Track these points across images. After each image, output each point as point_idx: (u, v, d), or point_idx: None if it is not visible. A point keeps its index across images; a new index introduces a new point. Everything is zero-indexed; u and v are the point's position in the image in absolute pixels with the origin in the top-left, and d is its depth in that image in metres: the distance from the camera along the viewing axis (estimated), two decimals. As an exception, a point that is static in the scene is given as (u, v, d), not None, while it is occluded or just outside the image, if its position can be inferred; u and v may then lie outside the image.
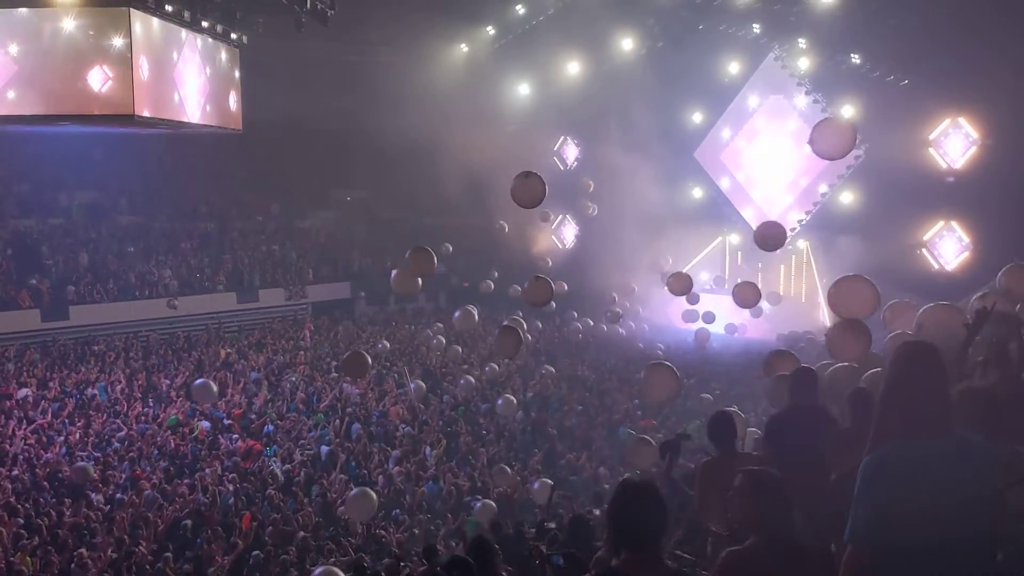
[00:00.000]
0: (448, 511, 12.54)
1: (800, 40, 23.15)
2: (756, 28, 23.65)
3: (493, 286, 23.45)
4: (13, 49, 17.59)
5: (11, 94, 17.79)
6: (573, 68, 26.73)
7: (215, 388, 15.03)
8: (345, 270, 30.67)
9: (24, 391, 18.24)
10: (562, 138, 30.02)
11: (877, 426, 3.35)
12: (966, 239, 21.07)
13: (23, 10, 17.64)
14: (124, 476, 13.74)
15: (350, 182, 31.42)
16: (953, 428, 3.24)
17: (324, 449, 14.87)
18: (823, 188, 24.56)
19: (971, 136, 20.80)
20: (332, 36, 21.04)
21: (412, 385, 17.65)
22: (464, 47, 27.83)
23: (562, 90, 27.20)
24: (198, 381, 15.34)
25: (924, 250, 21.48)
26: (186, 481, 13.41)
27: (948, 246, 21.31)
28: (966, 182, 20.64)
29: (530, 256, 25.13)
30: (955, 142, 20.99)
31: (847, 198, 23.48)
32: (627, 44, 25.28)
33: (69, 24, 17.42)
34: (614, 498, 3.33)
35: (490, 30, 26.98)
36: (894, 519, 3.08)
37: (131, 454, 14.72)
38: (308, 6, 18.89)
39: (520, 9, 25.62)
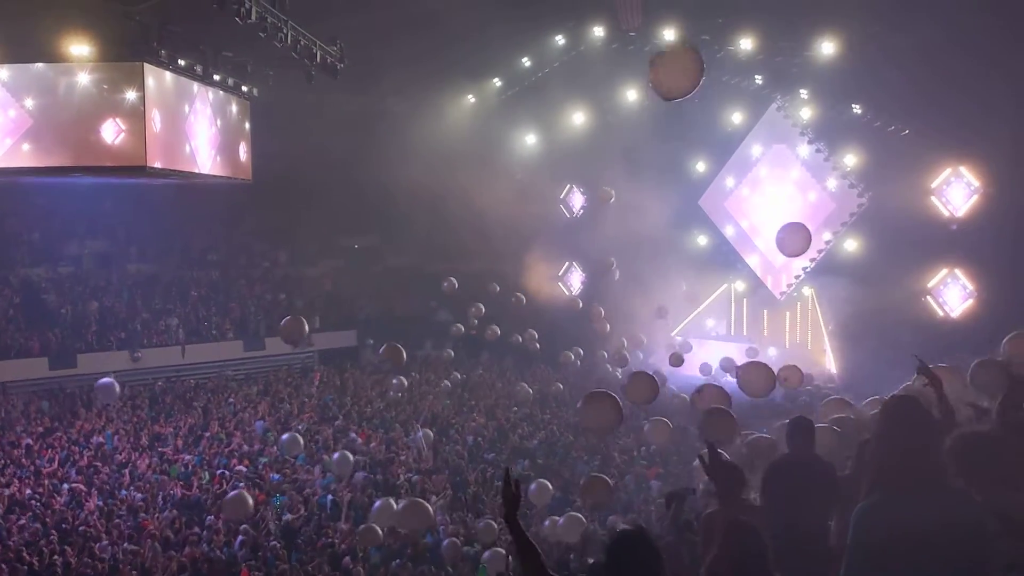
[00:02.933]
0: (452, 562, 12.50)
1: (802, 91, 23.51)
2: (758, 79, 24.00)
3: (499, 332, 23.51)
4: (29, 103, 17.92)
5: (26, 146, 18.09)
6: (579, 118, 27.07)
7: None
8: (351, 318, 30.78)
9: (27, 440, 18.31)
10: (568, 186, 30.29)
11: (868, 476, 3.45)
12: (970, 287, 21.16)
13: (39, 65, 18.00)
14: (129, 525, 13.74)
15: (357, 230, 31.68)
16: (942, 478, 3.32)
17: (329, 499, 14.86)
18: (827, 236, 24.71)
19: (972, 185, 21.00)
20: (341, 88, 21.37)
21: (419, 434, 17.66)
22: (472, 98, 28.24)
23: (568, 140, 27.50)
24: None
25: (929, 297, 21.55)
26: (194, 530, 13.41)
27: (953, 293, 21.41)
28: (969, 230, 20.80)
29: (537, 304, 25.24)
30: (957, 191, 21.19)
31: (851, 245, 23.63)
32: (631, 95, 25.63)
33: (84, 78, 17.75)
34: (608, 549, 3.39)
35: (497, 82, 27.38)
36: (884, 567, 3.16)
37: (138, 503, 14.74)
38: (318, 59, 19.22)
39: (526, 62, 26.03)
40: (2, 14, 16.02)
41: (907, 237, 21.10)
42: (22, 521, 13.79)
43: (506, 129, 28.09)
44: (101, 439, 18.90)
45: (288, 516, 14.09)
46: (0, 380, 23.40)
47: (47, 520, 13.82)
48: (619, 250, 25.44)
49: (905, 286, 21.27)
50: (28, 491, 15.29)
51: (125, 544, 12.84)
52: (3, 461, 17.16)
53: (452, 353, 24.39)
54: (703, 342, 26.46)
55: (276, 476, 16.15)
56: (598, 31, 23.88)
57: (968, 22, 16.86)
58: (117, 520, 13.90)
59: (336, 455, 15.62)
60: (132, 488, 15.75)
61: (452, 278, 23.68)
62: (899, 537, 3.18)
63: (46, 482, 15.91)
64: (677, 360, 22.75)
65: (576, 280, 30.17)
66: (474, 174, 26.22)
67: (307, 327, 12.51)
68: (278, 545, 12.71)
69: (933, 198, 21.46)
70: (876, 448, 3.50)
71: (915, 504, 3.22)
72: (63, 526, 13.61)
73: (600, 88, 25.88)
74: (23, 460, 17.26)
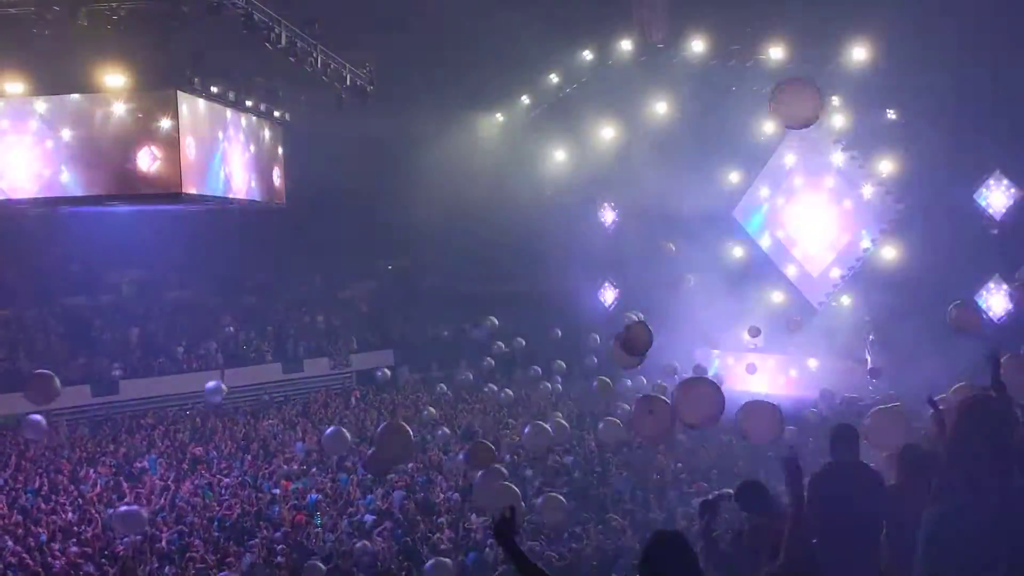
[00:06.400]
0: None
1: (834, 98, 23.24)
2: (790, 88, 23.77)
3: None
4: (66, 133, 18.29)
5: (64, 176, 18.45)
6: (608, 133, 27.01)
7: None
8: (387, 338, 30.86)
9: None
10: (600, 202, 30.21)
11: (942, 479, 3.36)
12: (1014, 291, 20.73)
13: (75, 96, 18.38)
14: (173, 548, 13.78)
15: (391, 251, 31.84)
16: (1016, 477, 3.22)
17: (369, 518, 14.80)
18: (865, 244, 24.39)
19: (1012, 188, 20.64)
20: (372, 110, 21.57)
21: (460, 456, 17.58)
22: (500, 117, 28.30)
23: (598, 155, 27.45)
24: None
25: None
26: (235, 551, 13.42)
27: (996, 299, 20.99)
28: (1010, 234, 20.42)
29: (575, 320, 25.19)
30: (997, 195, 20.83)
31: (890, 253, 23.25)
32: (661, 108, 25.53)
33: (119, 108, 18.08)
34: (643, 551, 3.40)
35: (525, 100, 27.45)
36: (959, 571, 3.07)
37: (180, 526, 14.80)
38: (348, 83, 19.43)
39: (554, 78, 26.07)
40: (38, 47, 16.38)
41: (947, 243, 20.75)
42: (73, 548, 13.86)
43: (536, 147, 28.11)
44: (144, 464, 19.07)
45: (330, 536, 14.06)
46: (45, 408, 23.70)
47: (91, 546, 13.89)
48: (653, 264, 25.30)
49: (946, 292, 20.87)
50: (71, 516, 15.40)
51: (167, 567, 12.88)
52: (47, 488, 17.33)
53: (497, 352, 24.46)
54: (741, 355, 26.15)
55: (314, 496, 16.12)
56: (626, 45, 23.84)
57: (1004, 22, 16.62)
58: (159, 544, 13.94)
59: (330, 429, 15.55)
60: (173, 511, 15.84)
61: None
62: (974, 543, 3.08)
63: (91, 508, 16.00)
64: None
65: (609, 296, 30.02)
66: (505, 193, 26.28)
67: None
68: (319, 564, 12.67)
69: (973, 202, 21.12)
70: (951, 449, 3.40)
71: (990, 507, 3.12)
72: (106, 552, 13.67)
73: (630, 102, 25.81)
74: (68, 487, 17.42)
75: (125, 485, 17.43)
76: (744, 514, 6.31)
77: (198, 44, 18.24)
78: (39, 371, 12.99)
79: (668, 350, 23.57)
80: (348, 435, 14.87)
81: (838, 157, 24.82)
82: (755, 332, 24.25)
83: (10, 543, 13.77)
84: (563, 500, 12.29)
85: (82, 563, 13.07)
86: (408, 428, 11.80)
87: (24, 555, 13.10)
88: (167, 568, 12.85)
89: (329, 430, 15.26)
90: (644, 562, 3.35)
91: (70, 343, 25.81)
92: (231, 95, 20.32)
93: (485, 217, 26.11)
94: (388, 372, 22.62)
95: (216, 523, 15.03)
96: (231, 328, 28.50)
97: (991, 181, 20.95)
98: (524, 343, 23.64)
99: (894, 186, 23.31)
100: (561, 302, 26.49)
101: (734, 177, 26.90)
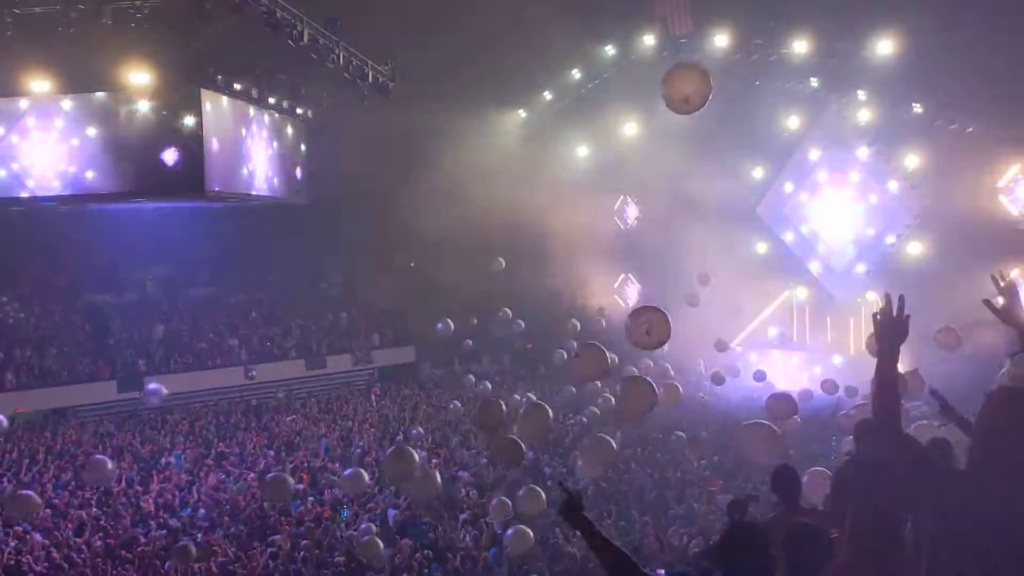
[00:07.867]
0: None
1: (859, 92, 23.01)
2: (814, 82, 23.59)
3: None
4: (91, 131, 18.45)
5: (89, 174, 18.62)
6: (630, 128, 26.87)
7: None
8: (409, 334, 30.93)
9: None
10: (621, 198, 30.09)
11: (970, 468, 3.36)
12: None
13: (100, 94, 18.54)
14: (196, 543, 13.85)
15: (413, 247, 31.86)
16: None
17: (391, 512, 14.83)
18: (890, 239, 24.13)
19: (1042, 182, 20.38)
20: (393, 107, 21.59)
21: None
22: (522, 112, 28.24)
23: (620, 150, 27.33)
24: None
25: (999, 299, 20.89)
26: (258, 547, 13.48)
27: (1024, 295, 20.71)
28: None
29: (592, 314, 25.09)
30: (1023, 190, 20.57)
31: (915, 248, 22.99)
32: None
33: (144, 105, 18.24)
34: (720, 545, 3.44)
35: (547, 95, 27.37)
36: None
37: (204, 523, 14.90)
38: (370, 79, 19.46)
39: (576, 73, 25.97)
40: (63, 46, 16.53)
41: (973, 238, 20.49)
42: (98, 543, 13.98)
43: (558, 141, 28.02)
44: (170, 459, 19.22)
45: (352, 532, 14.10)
46: (71, 404, 24.00)
47: (114, 539, 14.01)
48: (678, 260, 25.18)
49: (974, 288, 20.59)
50: (95, 511, 15.53)
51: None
52: (74, 484, 17.50)
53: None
54: (765, 351, 26.00)
55: (335, 491, 16.16)
56: (648, 40, 23.70)
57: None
58: (184, 539, 14.02)
59: (348, 471, 15.26)
60: (199, 506, 15.95)
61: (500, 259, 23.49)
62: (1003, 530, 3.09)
63: (115, 503, 16.15)
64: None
65: (632, 292, 29.91)
66: (527, 188, 26.22)
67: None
68: (341, 561, 12.73)
69: (1001, 197, 20.86)
70: (977, 443, 3.40)
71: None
72: (135, 545, 13.77)
73: (652, 97, 25.53)
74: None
75: (152, 477, 17.61)
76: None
77: (221, 42, 18.32)
78: (22, 491, 13.26)
79: (689, 347, 23.52)
80: (366, 476, 14.56)
81: (863, 152, 24.56)
82: (704, 280, 23.74)
83: (38, 537, 13.93)
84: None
85: (106, 557, 13.20)
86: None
87: (51, 548, 13.25)
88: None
89: (347, 472, 14.98)
90: (722, 555, 3.36)
91: (96, 340, 26.06)
92: (254, 92, 20.44)
93: (507, 213, 26.06)
94: (422, 430, 21.02)
95: (239, 518, 15.12)
96: (254, 315, 28.75)
97: (1019, 175, 20.67)
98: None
99: (920, 181, 23.04)
100: (582, 298, 26.40)
101: (758, 172, 26.68)
